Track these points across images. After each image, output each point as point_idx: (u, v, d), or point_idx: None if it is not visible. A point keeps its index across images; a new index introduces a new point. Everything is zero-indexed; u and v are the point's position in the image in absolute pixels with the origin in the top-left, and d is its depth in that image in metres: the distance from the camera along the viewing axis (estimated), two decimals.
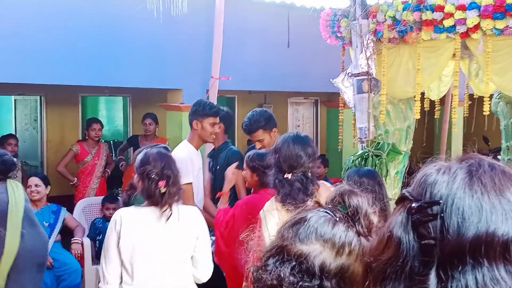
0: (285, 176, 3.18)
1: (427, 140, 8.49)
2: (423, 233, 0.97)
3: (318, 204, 1.37)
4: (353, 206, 1.30)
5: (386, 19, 4.83)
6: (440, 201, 0.97)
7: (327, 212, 1.30)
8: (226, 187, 4.44)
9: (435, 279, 0.95)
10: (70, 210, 5.97)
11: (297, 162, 3.19)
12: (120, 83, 7.15)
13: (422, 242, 0.97)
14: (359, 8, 4.92)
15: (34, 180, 5.53)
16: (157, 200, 3.10)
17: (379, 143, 4.89)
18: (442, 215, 0.96)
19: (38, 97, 8.52)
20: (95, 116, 8.54)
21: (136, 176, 3.20)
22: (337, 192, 1.34)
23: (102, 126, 7.24)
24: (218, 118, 4.68)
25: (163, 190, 3.09)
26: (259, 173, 3.87)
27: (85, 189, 6.88)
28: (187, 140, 4.66)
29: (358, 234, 1.26)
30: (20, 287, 3.78)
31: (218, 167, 5.05)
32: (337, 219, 1.28)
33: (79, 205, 6.25)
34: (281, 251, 1.26)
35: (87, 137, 7.13)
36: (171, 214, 3.11)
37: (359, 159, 4.85)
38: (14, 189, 3.83)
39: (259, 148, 4.64)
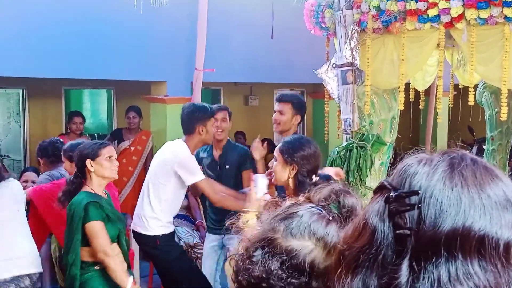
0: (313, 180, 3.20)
1: (413, 131, 8.51)
2: (399, 222, 0.95)
3: (309, 200, 1.33)
4: (347, 206, 1.28)
5: (370, 9, 4.80)
6: (419, 191, 0.96)
7: (320, 210, 1.27)
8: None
9: (407, 269, 0.93)
10: None
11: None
12: (103, 75, 7.07)
13: (397, 232, 0.95)
14: None
15: (30, 176, 5.42)
16: None
17: (364, 134, 4.87)
18: (419, 205, 0.95)
19: (20, 90, 8.40)
20: (79, 110, 8.44)
21: None
22: (333, 191, 1.31)
23: (83, 119, 7.15)
24: (220, 113, 4.76)
25: None
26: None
27: None
28: (183, 141, 4.51)
29: None
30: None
31: (227, 166, 4.97)
32: (331, 218, 1.25)
33: None
34: (270, 244, 1.23)
35: (69, 131, 7.04)
36: None
37: (344, 150, 4.83)
38: None
39: (275, 120, 4.60)
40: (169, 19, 6.94)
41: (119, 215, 3.87)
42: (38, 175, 5.44)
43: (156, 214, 4.45)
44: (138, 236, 4.54)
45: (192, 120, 4.48)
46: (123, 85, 8.58)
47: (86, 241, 3.63)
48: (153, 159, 4.71)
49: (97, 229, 3.60)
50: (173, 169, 4.35)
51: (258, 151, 4.57)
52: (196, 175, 4.37)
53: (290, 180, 3.20)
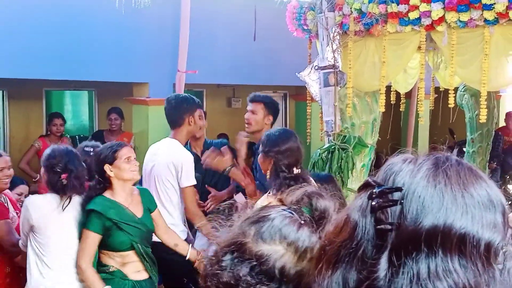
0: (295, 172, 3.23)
1: (393, 133, 8.55)
2: (380, 218, 0.96)
3: (282, 202, 1.30)
4: (320, 210, 1.25)
5: (352, 12, 4.83)
6: (402, 188, 0.97)
7: (292, 213, 1.23)
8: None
9: (386, 263, 0.94)
10: None
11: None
12: (84, 76, 7.01)
13: (378, 226, 0.96)
14: (325, 1, 4.91)
15: (25, 189, 5.03)
16: (59, 190, 3.49)
17: (346, 136, 4.89)
18: (402, 201, 0.95)
19: (1, 92, 8.29)
20: (60, 111, 8.36)
21: (42, 168, 3.56)
22: (305, 193, 1.28)
23: (64, 121, 7.09)
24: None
25: (64, 182, 3.47)
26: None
27: None
28: (174, 139, 4.36)
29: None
30: None
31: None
32: (302, 222, 1.22)
33: None
34: (240, 248, 1.20)
35: (50, 133, 6.98)
36: (68, 203, 3.51)
37: (326, 152, 4.84)
38: None
39: (247, 119, 4.54)
40: (151, 20, 6.92)
41: (137, 225, 3.62)
42: None
43: (175, 219, 4.25)
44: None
45: (182, 111, 4.38)
46: (105, 87, 8.51)
47: (101, 244, 3.54)
48: (148, 164, 4.42)
49: (84, 238, 3.49)
50: (177, 169, 4.21)
51: (243, 142, 4.53)
52: (192, 179, 4.25)
53: (268, 172, 3.34)
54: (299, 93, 8.64)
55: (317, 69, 4.99)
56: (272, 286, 1.17)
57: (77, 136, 9.14)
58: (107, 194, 3.59)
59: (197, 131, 4.59)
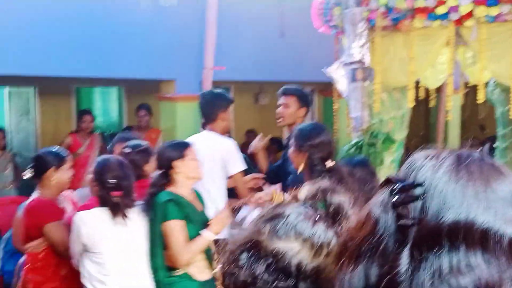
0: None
1: (424, 128, 8.47)
2: (402, 213, 0.96)
3: (296, 199, 1.29)
4: (334, 205, 1.24)
5: (379, 7, 4.78)
6: (424, 183, 0.96)
7: (307, 209, 1.23)
8: None
9: (408, 258, 0.94)
10: None
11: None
12: (113, 74, 7.10)
13: (399, 222, 0.96)
14: None
15: None
16: (109, 206, 3.32)
17: (373, 132, 4.86)
18: (423, 197, 0.95)
19: (32, 89, 8.46)
20: (90, 108, 8.49)
21: (92, 178, 3.43)
22: (319, 188, 1.28)
23: (93, 117, 7.20)
24: None
25: (116, 200, 3.31)
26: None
27: (79, 181, 6.83)
28: (213, 132, 4.32)
29: (338, 235, 1.19)
30: None
31: None
32: (317, 217, 1.22)
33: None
34: (255, 246, 1.20)
35: (79, 129, 7.10)
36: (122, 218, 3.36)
37: (354, 148, 4.82)
38: None
39: (280, 113, 4.44)
40: (178, 17, 6.96)
41: (202, 217, 3.60)
42: None
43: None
44: None
45: (214, 107, 4.34)
46: (134, 84, 8.62)
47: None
48: None
49: (172, 227, 3.39)
50: (223, 159, 4.17)
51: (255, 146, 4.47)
52: (240, 165, 4.18)
53: (302, 166, 3.30)
54: (327, 88, 8.60)
55: (344, 65, 4.97)
56: (289, 283, 1.17)
57: (106, 133, 9.27)
58: (169, 190, 3.52)
59: (229, 128, 4.55)
